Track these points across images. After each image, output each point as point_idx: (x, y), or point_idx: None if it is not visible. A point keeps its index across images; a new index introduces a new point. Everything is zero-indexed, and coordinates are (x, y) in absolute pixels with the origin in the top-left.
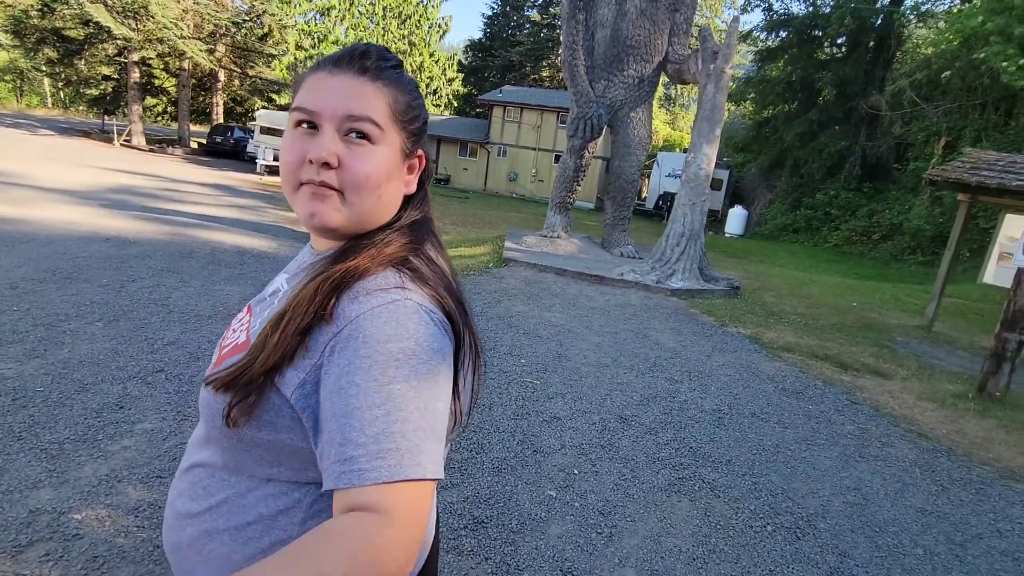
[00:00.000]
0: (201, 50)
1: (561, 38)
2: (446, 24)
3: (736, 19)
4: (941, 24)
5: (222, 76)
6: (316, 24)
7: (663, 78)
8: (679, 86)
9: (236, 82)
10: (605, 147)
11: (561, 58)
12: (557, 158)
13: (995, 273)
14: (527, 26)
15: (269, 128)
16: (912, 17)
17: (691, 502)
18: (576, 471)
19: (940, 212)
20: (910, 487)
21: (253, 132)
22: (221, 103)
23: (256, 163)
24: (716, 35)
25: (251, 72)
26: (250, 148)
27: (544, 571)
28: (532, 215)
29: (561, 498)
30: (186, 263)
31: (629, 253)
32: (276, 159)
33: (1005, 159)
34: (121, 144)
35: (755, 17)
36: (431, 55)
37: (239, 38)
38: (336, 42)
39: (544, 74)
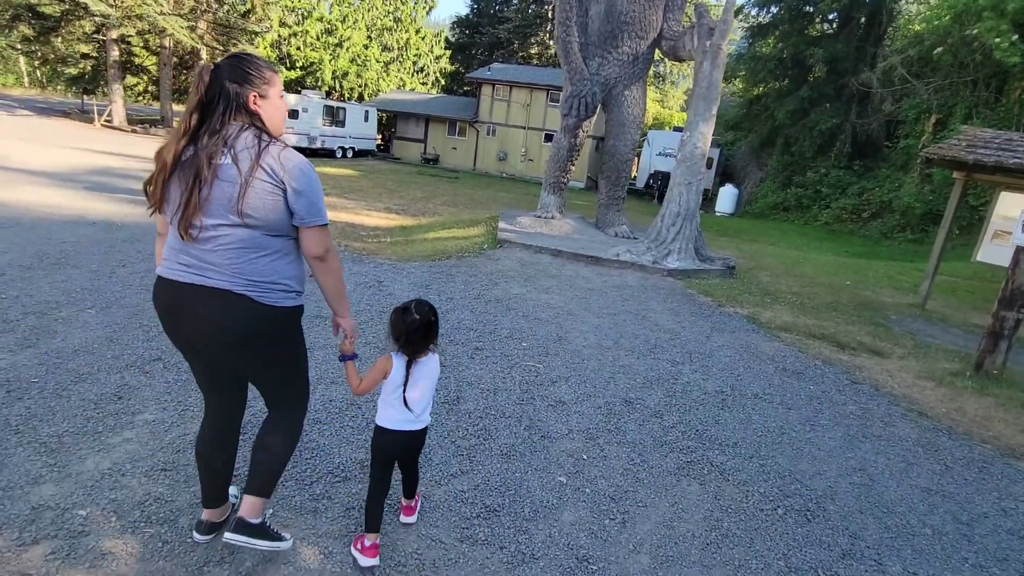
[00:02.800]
0: (182, 27)
1: (554, 15)
2: (432, 0)
3: None
4: (932, 0)
5: (204, 54)
6: (300, 0)
7: (657, 55)
8: (669, 64)
9: (219, 59)
10: (597, 126)
11: (554, 35)
12: (547, 137)
13: (990, 251)
14: (515, 2)
15: None
16: None
17: (701, 486)
18: (585, 456)
19: (930, 190)
20: (914, 467)
21: None
22: None
23: None
24: (711, 11)
25: (234, 49)
26: None
27: (559, 559)
28: (523, 195)
29: (572, 484)
30: None
31: (624, 233)
32: None
33: (1001, 136)
34: (102, 124)
35: None
36: (417, 31)
37: (221, 15)
38: (321, 18)
39: (533, 51)
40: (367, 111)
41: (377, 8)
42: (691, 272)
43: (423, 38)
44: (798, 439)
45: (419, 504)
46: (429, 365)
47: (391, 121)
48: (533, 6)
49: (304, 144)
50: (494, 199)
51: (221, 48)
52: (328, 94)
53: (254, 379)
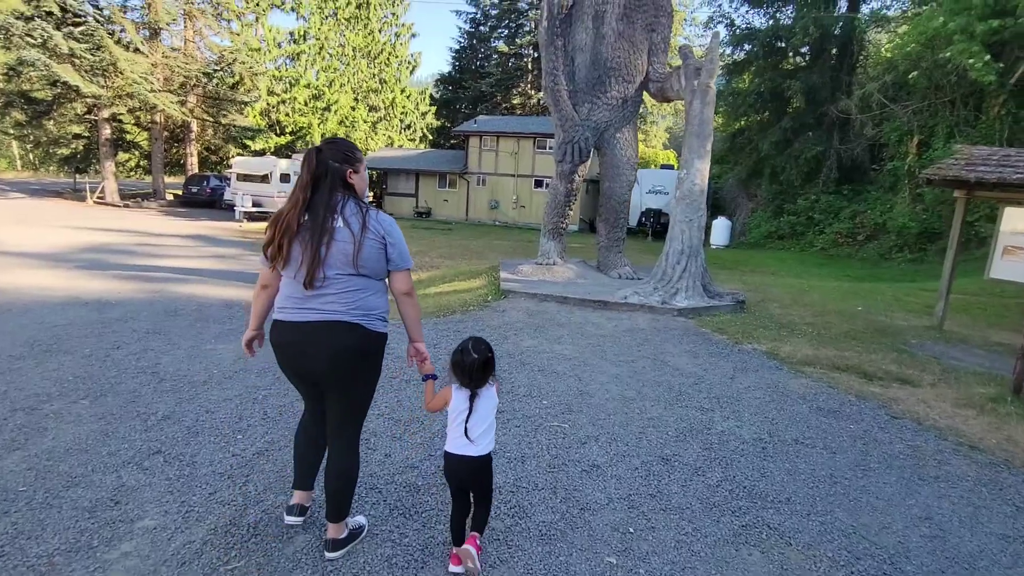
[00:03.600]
0: (172, 102)
1: (541, 66)
2: (415, 60)
3: (716, 34)
4: (902, 28)
5: (195, 126)
6: (287, 69)
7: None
8: (649, 103)
9: (209, 131)
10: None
11: (543, 85)
12: (537, 183)
13: (1001, 267)
14: (495, 57)
15: (245, 175)
16: (869, 24)
17: (762, 554)
18: (631, 529)
19: (923, 209)
20: (983, 510)
21: (229, 180)
22: (195, 153)
23: (235, 211)
24: (694, 52)
25: (224, 120)
26: (227, 196)
27: None
28: (518, 242)
29: (623, 565)
30: (172, 322)
31: (627, 275)
32: (255, 205)
33: (998, 153)
34: (95, 202)
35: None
36: (402, 91)
37: (210, 88)
38: (308, 85)
39: (515, 102)
40: None
41: (362, 71)
42: (701, 310)
43: (408, 97)
44: (852, 487)
45: (478, 554)
46: (488, 395)
47: (382, 178)
48: (512, 59)
49: None
50: (490, 248)
51: (211, 120)
52: None
53: (345, 395)
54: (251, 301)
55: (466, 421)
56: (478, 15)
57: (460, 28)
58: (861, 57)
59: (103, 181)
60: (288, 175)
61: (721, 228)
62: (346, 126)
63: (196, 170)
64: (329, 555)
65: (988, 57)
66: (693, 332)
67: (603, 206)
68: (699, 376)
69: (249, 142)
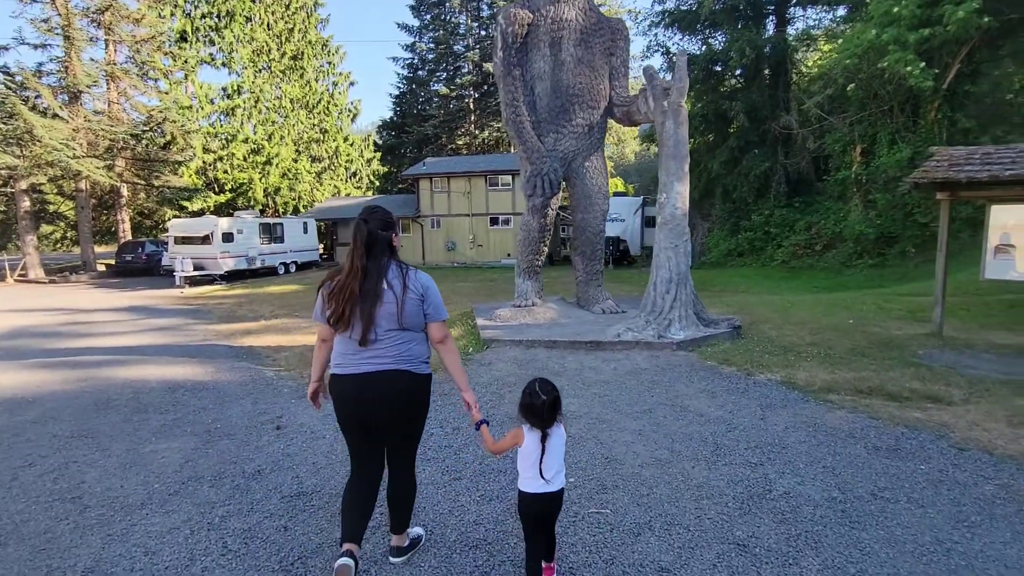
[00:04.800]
0: (98, 167)
1: (500, 97)
2: (356, 108)
3: (683, 52)
4: (827, 47)
5: (125, 191)
6: (222, 125)
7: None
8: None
9: (142, 195)
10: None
11: (504, 118)
12: (493, 221)
13: (995, 267)
14: (436, 100)
15: (184, 237)
16: (801, 42)
17: None
18: None
19: (876, 215)
20: None
21: (167, 244)
22: (127, 219)
23: (175, 276)
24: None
25: (157, 182)
26: (165, 261)
27: None
28: (481, 282)
29: None
30: (103, 419)
31: (611, 308)
32: (197, 268)
33: (978, 152)
34: (15, 280)
35: (655, 61)
36: (345, 139)
37: (140, 150)
38: (246, 140)
39: (461, 142)
40: (305, 223)
41: (302, 122)
42: (699, 340)
43: (352, 144)
44: (969, 553)
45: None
46: (558, 433)
47: (331, 229)
48: (454, 101)
49: (243, 266)
50: (454, 291)
51: (143, 183)
52: (262, 212)
53: (400, 431)
54: (199, 381)
55: (540, 462)
56: (415, 60)
57: (398, 74)
58: (794, 74)
59: (24, 257)
60: (231, 234)
61: None
62: (289, 178)
63: (129, 236)
64: (393, 559)
65: (923, 64)
66: (699, 367)
67: (577, 238)
68: (728, 421)
69: (186, 203)
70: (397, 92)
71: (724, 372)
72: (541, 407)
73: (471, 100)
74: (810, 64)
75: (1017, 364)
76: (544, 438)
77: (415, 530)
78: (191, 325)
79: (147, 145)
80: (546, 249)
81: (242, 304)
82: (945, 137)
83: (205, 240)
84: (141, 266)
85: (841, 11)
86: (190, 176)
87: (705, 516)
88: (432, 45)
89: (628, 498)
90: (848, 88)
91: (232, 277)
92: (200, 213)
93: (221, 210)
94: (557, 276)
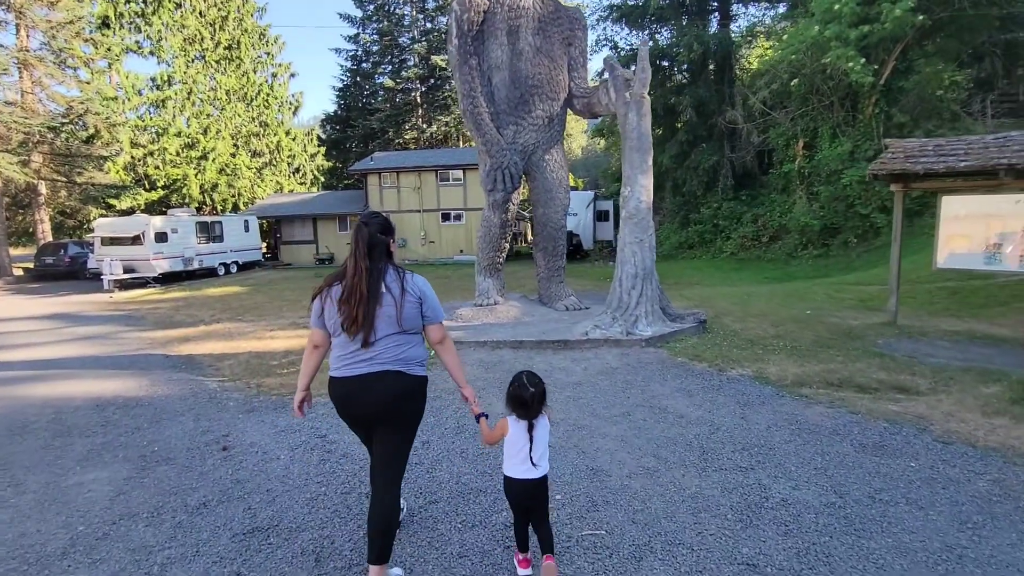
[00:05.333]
0: (12, 163)
1: (457, 88)
2: (298, 101)
3: (646, 42)
4: (767, 44)
5: (43, 188)
6: (152, 118)
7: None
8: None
9: (63, 192)
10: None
11: (461, 109)
12: (444, 217)
13: (948, 257)
14: (381, 93)
15: (112, 238)
16: (746, 39)
17: None
18: None
19: (819, 207)
20: None
21: (92, 245)
22: (47, 219)
23: (102, 280)
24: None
25: (80, 179)
26: (91, 264)
27: None
28: (436, 280)
29: None
30: (18, 447)
31: (574, 305)
32: (127, 271)
33: (930, 143)
34: None
35: (603, 57)
36: (287, 133)
37: (59, 144)
38: (179, 133)
39: (409, 136)
40: (246, 220)
41: (240, 115)
42: (667, 336)
43: (294, 139)
44: (982, 560)
45: (557, 570)
46: (543, 423)
47: (275, 226)
48: (400, 95)
49: (179, 267)
50: None
51: (64, 179)
52: (199, 209)
53: (393, 432)
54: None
55: (530, 451)
56: (359, 52)
57: (342, 66)
58: (738, 70)
59: None
60: (165, 233)
61: None
62: (227, 174)
63: (50, 237)
64: None
65: (863, 60)
66: (671, 364)
67: (539, 234)
68: (709, 422)
69: (114, 201)
70: (341, 85)
71: (696, 369)
72: (529, 399)
73: (418, 94)
74: (752, 60)
75: (971, 350)
76: (531, 427)
77: (394, 571)
78: (122, 333)
79: (67, 139)
80: (507, 246)
81: (179, 308)
82: (882, 131)
83: (136, 240)
84: (64, 269)
85: (782, 8)
86: (117, 172)
87: (706, 532)
88: (376, 36)
89: (622, 515)
90: (792, 83)
91: (167, 279)
92: (130, 212)
93: (153, 208)
94: (512, 271)
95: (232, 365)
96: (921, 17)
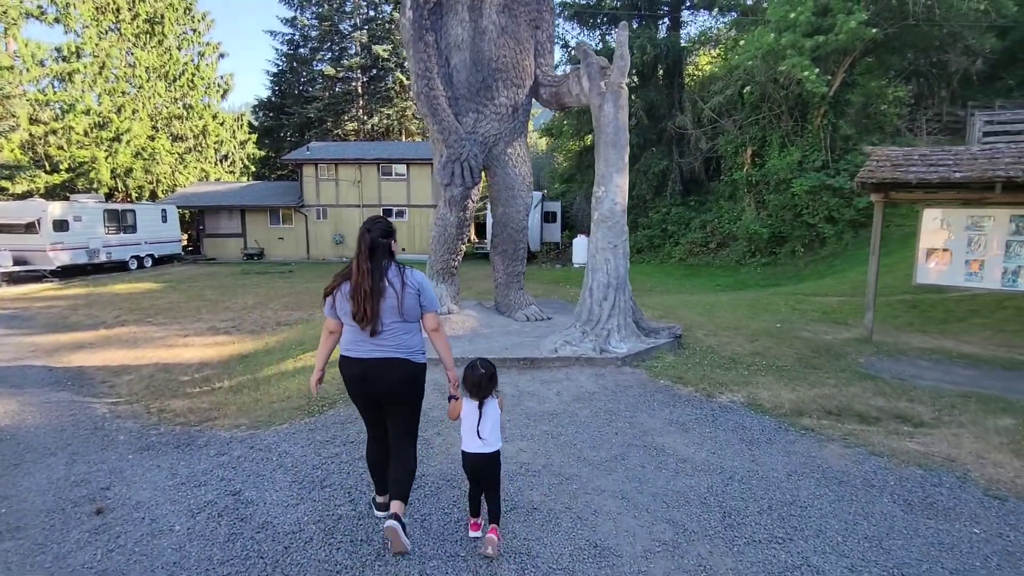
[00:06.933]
0: None
1: (410, 67)
2: (227, 83)
3: (625, 25)
4: (715, 51)
5: None
6: (56, 92)
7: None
8: None
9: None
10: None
11: (414, 91)
12: (385, 212)
13: (926, 272)
14: (320, 80)
15: (2, 225)
16: (698, 44)
17: None
18: None
19: (767, 215)
20: None
21: None
22: None
23: None
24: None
25: None
26: None
27: None
28: None
29: None
30: None
31: (535, 315)
32: (18, 263)
33: (914, 153)
34: None
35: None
36: (214, 117)
37: None
38: (88, 111)
39: (349, 127)
40: (164, 210)
41: (160, 95)
42: (643, 353)
43: (222, 124)
44: None
45: (499, 540)
46: (492, 405)
47: (198, 218)
48: (340, 84)
49: (83, 260)
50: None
51: None
52: (109, 196)
53: (401, 411)
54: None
55: (478, 425)
56: (296, 36)
57: (277, 50)
58: (687, 76)
59: None
60: (65, 221)
61: (582, 246)
62: (144, 158)
63: None
64: (389, 523)
65: (817, 71)
66: (654, 389)
67: (498, 235)
68: (717, 467)
69: (6, 183)
70: (276, 70)
71: (683, 394)
72: (479, 378)
73: (359, 84)
74: (703, 66)
75: (955, 372)
76: (481, 405)
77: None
78: (0, 337)
79: None
80: (463, 248)
81: (78, 307)
82: (828, 142)
83: (30, 228)
84: None
85: (732, 16)
86: (12, 151)
87: None
88: (315, 21)
89: None
90: (745, 90)
91: (68, 273)
92: (28, 195)
93: (55, 193)
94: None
95: (131, 382)
96: (874, 31)
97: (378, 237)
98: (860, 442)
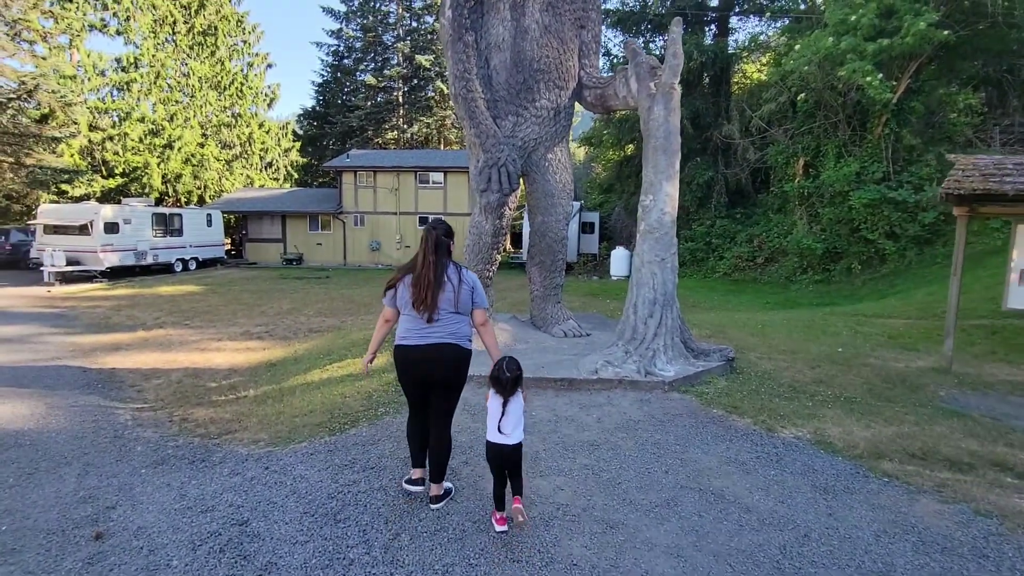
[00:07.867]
0: None
1: (448, 69)
2: (274, 92)
3: (678, 20)
4: (768, 56)
5: None
6: (115, 101)
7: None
8: None
9: (8, 175)
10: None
11: (451, 93)
12: (422, 220)
13: (1019, 295)
14: (363, 90)
15: (56, 226)
16: (750, 51)
17: None
18: None
19: (820, 229)
20: None
21: (36, 233)
22: None
23: (43, 271)
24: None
25: (29, 161)
26: (34, 253)
27: None
28: None
29: None
30: None
31: (573, 331)
32: (71, 263)
33: (1007, 161)
34: None
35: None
36: (261, 125)
37: (5, 121)
38: (143, 119)
39: (389, 136)
40: (210, 215)
41: (211, 104)
42: (692, 377)
43: (268, 132)
44: None
45: (522, 509)
46: (516, 401)
47: (241, 222)
48: (382, 93)
49: (131, 261)
50: (377, 297)
51: (12, 160)
52: (160, 201)
53: (446, 393)
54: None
55: (500, 420)
56: (341, 47)
57: (322, 60)
58: (735, 84)
59: None
60: (116, 224)
61: (621, 259)
62: (193, 164)
63: None
64: (433, 506)
65: (881, 76)
66: (706, 419)
67: (535, 245)
68: (789, 520)
69: (66, 186)
70: (321, 80)
71: (739, 427)
72: (505, 382)
73: (400, 93)
74: (751, 74)
75: None
76: (505, 403)
77: (447, 484)
78: (44, 336)
79: (14, 116)
80: (499, 257)
81: (120, 308)
82: (890, 153)
83: (83, 230)
84: (4, 258)
85: (784, 22)
86: (72, 156)
87: None
88: (360, 33)
89: None
90: (799, 97)
91: (117, 274)
92: (85, 199)
93: (110, 196)
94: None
95: (159, 386)
96: (946, 33)
97: (442, 235)
98: (958, 496)
